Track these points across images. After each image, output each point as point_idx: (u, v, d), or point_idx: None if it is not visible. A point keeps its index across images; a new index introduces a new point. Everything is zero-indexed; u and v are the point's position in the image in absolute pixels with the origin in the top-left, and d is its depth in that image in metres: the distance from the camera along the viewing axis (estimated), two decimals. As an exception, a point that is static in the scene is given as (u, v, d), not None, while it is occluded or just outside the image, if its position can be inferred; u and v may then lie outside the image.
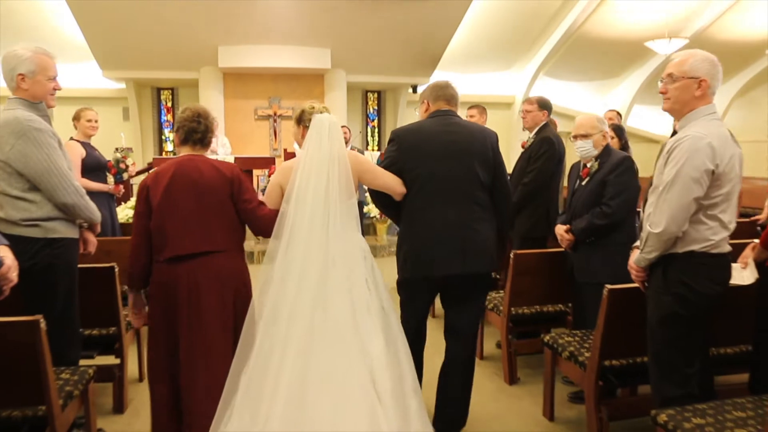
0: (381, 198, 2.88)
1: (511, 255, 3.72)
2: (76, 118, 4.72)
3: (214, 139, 2.89)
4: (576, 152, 3.57)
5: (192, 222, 2.57)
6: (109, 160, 4.81)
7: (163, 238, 2.57)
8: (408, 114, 12.20)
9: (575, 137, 3.54)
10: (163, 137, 11.70)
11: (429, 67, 11.38)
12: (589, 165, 3.52)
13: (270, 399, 2.16)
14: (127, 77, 10.61)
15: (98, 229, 3.12)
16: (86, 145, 4.72)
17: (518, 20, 10.85)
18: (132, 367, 3.76)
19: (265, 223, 2.62)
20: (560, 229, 3.56)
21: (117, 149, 4.88)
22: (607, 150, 3.51)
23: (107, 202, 4.75)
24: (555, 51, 11.43)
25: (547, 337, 3.29)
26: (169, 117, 11.70)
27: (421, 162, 2.74)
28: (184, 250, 2.54)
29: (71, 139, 4.72)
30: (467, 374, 2.93)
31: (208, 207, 2.58)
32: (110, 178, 4.77)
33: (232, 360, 2.36)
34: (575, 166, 3.71)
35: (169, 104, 11.68)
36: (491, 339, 4.49)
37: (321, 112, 2.64)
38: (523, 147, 4.42)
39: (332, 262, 2.38)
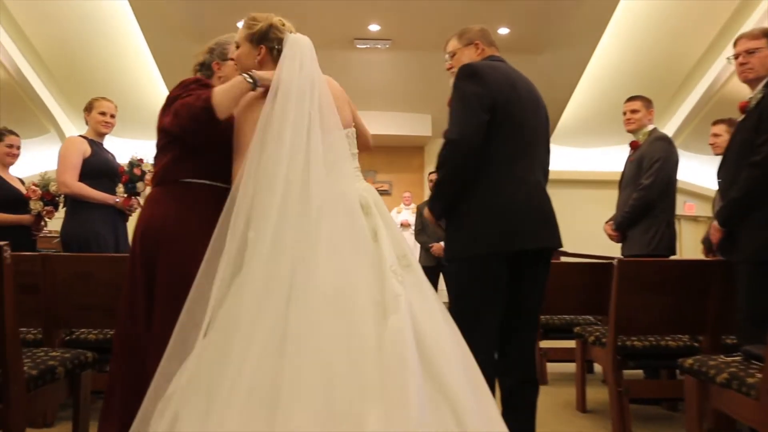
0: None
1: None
2: (87, 109, 3.41)
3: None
4: None
5: None
6: (121, 165, 3.41)
7: None
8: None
9: None
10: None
11: (542, 138, 9.70)
12: None
13: (228, 395, 1.41)
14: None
15: None
16: (95, 144, 3.37)
17: (643, 84, 9.05)
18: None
19: (175, 107, 1.88)
20: None
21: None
22: None
23: (111, 218, 3.29)
24: (690, 119, 9.44)
25: None
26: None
27: (510, 105, 2.16)
28: None
29: (80, 136, 3.41)
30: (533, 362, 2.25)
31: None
32: (120, 188, 3.33)
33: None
34: None
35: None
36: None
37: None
38: (741, 110, 2.54)
39: (319, 212, 1.63)
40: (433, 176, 6.12)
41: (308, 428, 1.34)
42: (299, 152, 1.68)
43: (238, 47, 1.98)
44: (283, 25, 1.99)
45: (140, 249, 1.95)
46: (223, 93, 1.83)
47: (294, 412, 1.36)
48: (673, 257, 3.37)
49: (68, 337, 2.80)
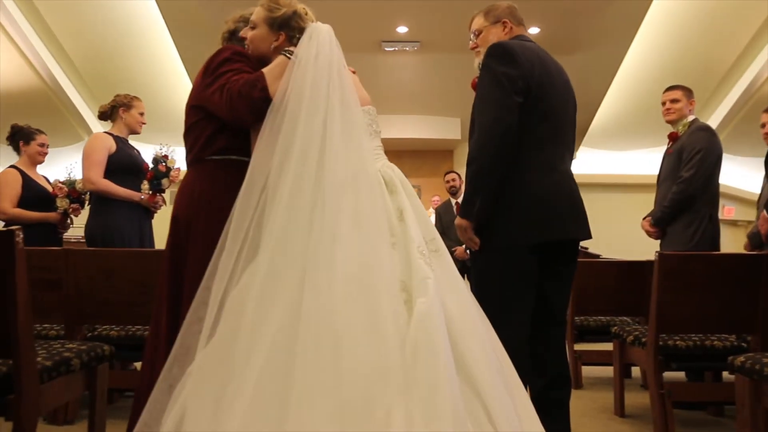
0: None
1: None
2: (126, 106, 3.36)
3: None
4: None
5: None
6: (146, 162, 3.38)
7: None
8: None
9: None
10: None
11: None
12: None
13: (235, 392, 1.30)
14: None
15: None
16: (120, 140, 3.34)
17: (680, 83, 8.81)
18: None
19: (228, 97, 1.75)
20: None
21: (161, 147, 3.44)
22: None
23: (137, 215, 3.25)
24: (728, 120, 9.12)
25: None
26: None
27: (542, 89, 2.02)
28: None
29: (105, 132, 3.38)
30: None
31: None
32: (145, 185, 3.30)
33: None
34: None
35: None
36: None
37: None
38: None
39: (337, 187, 1.51)
40: (450, 176, 5.91)
41: (322, 429, 1.21)
42: (315, 127, 1.58)
43: (253, 28, 1.88)
44: (306, 14, 1.89)
45: (170, 241, 1.87)
46: (276, 81, 1.73)
47: (306, 410, 1.23)
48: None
49: (90, 334, 2.76)
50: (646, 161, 10.02)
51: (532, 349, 2.03)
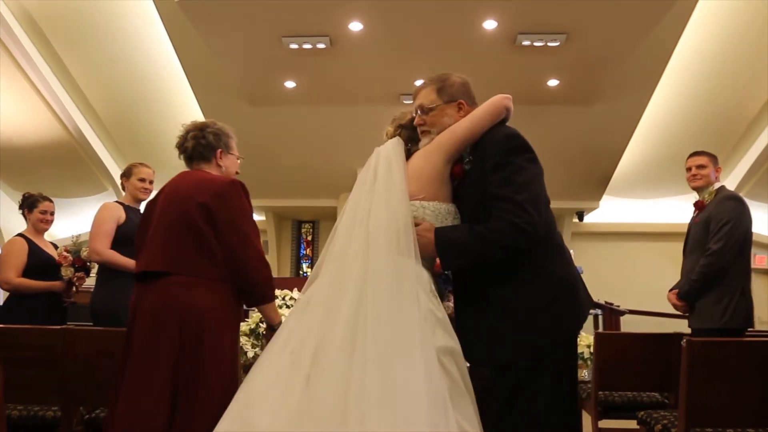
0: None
1: None
2: (126, 175, 3.36)
3: None
4: None
5: (158, 237, 2.09)
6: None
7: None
8: (577, 245, 9.78)
9: None
10: (301, 272, 10.44)
11: (597, 190, 9.31)
12: None
13: None
14: (267, 206, 9.72)
15: None
16: (130, 210, 3.29)
17: (704, 130, 8.58)
18: None
19: (246, 263, 2.13)
20: None
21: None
22: None
23: (136, 286, 3.16)
24: (757, 166, 8.82)
25: None
26: (309, 251, 10.54)
27: None
28: (139, 267, 2.12)
29: (116, 202, 3.35)
30: None
31: (175, 221, 2.07)
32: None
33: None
34: None
35: (309, 238, 10.54)
36: None
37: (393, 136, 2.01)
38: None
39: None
40: None
41: None
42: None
43: None
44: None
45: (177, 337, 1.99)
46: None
47: None
48: (751, 330, 2.96)
49: (88, 416, 2.63)
50: (671, 209, 9.76)
51: None
